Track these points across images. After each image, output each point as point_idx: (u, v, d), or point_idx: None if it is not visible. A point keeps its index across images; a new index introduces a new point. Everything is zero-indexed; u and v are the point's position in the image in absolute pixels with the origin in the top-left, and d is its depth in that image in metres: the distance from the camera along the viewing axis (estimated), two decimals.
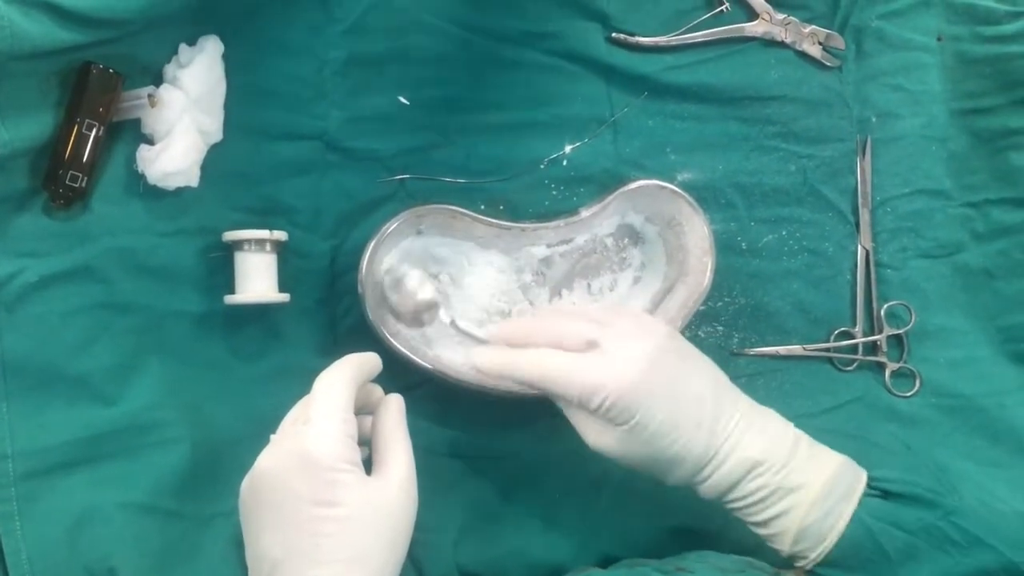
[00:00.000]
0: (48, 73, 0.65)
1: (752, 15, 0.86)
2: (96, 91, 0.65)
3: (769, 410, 0.69)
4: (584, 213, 0.78)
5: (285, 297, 0.73)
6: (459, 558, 0.74)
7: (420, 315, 0.77)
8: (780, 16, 0.86)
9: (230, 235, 0.71)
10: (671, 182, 0.80)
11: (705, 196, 0.83)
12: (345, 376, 0.61)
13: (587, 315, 0.70)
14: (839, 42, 0.88)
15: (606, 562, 0.75)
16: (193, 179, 0.70)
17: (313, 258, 0.76)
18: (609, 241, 0.82)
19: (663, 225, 0.82)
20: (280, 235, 0.72)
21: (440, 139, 0.79)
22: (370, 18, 0.77)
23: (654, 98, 0.84)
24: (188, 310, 0.72)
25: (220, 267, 0.72)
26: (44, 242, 0.66)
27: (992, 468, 0.84)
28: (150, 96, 0.68)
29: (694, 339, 0.84)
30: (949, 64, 0.91)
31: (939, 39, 0.91)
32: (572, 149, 0.81)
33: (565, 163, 0.81)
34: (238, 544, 0.62)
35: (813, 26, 0.88)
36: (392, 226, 0.73)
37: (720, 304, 0.85)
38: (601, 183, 0.81)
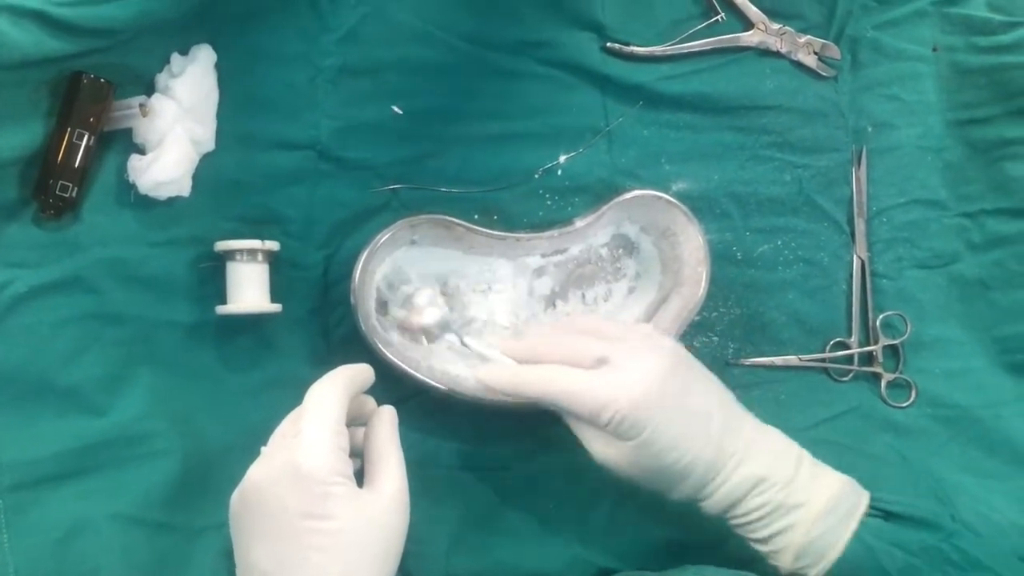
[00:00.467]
0: (38, 82, 0.65)
1: (748, 25, 0.86)
2: (87, 100, 0.65)
3: (773, 429, 0.69)
4: (579, 223, 0.78)
5: (277, 307, 0.72)
6: (451, 570, 0.73)
7: (429, 332, 0.76)
8: (776, 26, 0.86)
9: (222, 245, 0.70)
10: (666, 192, 0.80)
11: (700, 206, 0.83)
12: (337, 388, 0.61)
13: (596, 331, 0.70)
14: (835, 52, 0.88)
15: (600, 575, 0.75)
16: (185, 189, 0.70)
17: (306, 268, 0.75)
18: (604, 251, 0.82)
19: (658, 235, 0.82)
20: (272, 245, 0.71)
21: (434, 148, 0.78)
22: (364, 27, 0.76)
23: (649, 108, 0.83)
24: (179, 320, 0.71)
25: (212, 277, 0.72)
26: (34, 252, 0.66)
27: (988, 479, 0.84)
28: (141, 106, 0.67)
29: (689, 349, 0.82)
30: (945, 74, 0.91)
31: (935, 49, 0.91)
32: (567, 159, 0.81)
33: (560, 173, 0.81)
34: (228, 556, 0.62)
35: (809, 36, 0.88)
36: (385, 236, 0.73)
37: (715, 314, 0.84)
38: (596, 193, 0.81)
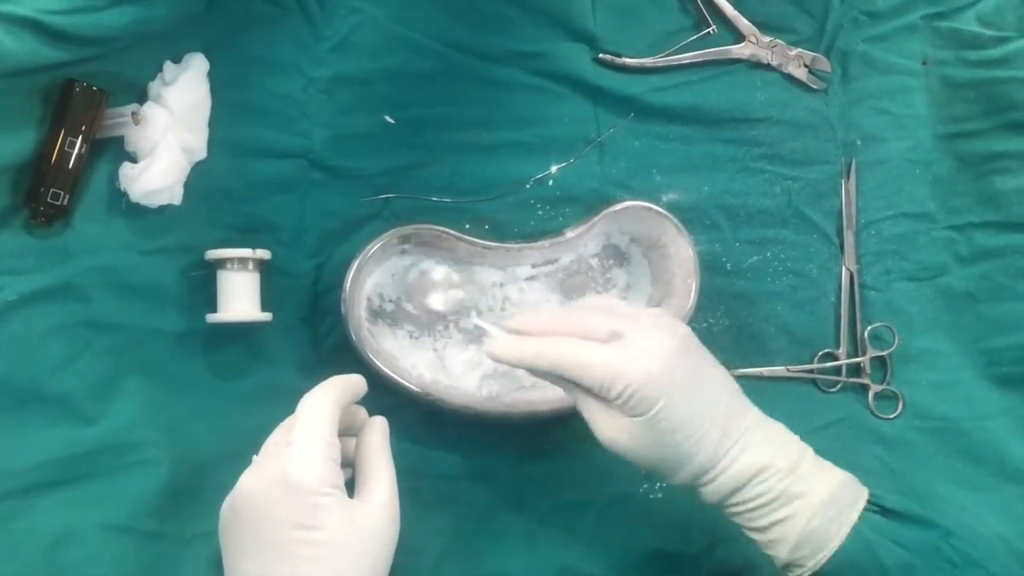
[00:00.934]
0: (31, 90, 0.65)
1: (739, 37, 0.87)
2: (79, 108, 0.65)
3: (776, 422, 0.69)
4: (569, 234, 0.78)
5: (268, 316, 0.72)
6: None
7: (445, 316, 0.77)
8: (766, 39, 0.87)
9: (213, 253, 0.70)
10: (656, 203, 0.80)
11: (690, 217, 0.83)
12: (330, 398, 0.61)
13: (610, 310, 0.68)
14: (825, 65, 0.89)
15: None
16: (176, 197, 0.70)
17: (297, 277, 0.76)
18: (594, 261, 0.82)
19: (648, 246, 0.82)
20: (263, 254, 0.72)
21: (426, 158, 0.79)
22: (356, 36, 0.77)
23: (640, 119, 0.84)
24: (170, 329, 0.71)
25: (202, 285, 0.72)
26: (25, 260, 0.66)
27: (975, 491, 0.84)
28: (134, 114, 0.67)
29: None
30: (934, 88, 0.92)
31: (924, 63, 0.92)
32: (558, 169, 0.81)
33: (551, 183, 0.81)
34: (218, 566, 0.62)
35: (799, 49, 0.88)
36: (376, 245, 0.73)
37: (705, 325, 0.84)
38: (587, 203, 0.81)
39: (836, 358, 0.87)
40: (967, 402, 0.88)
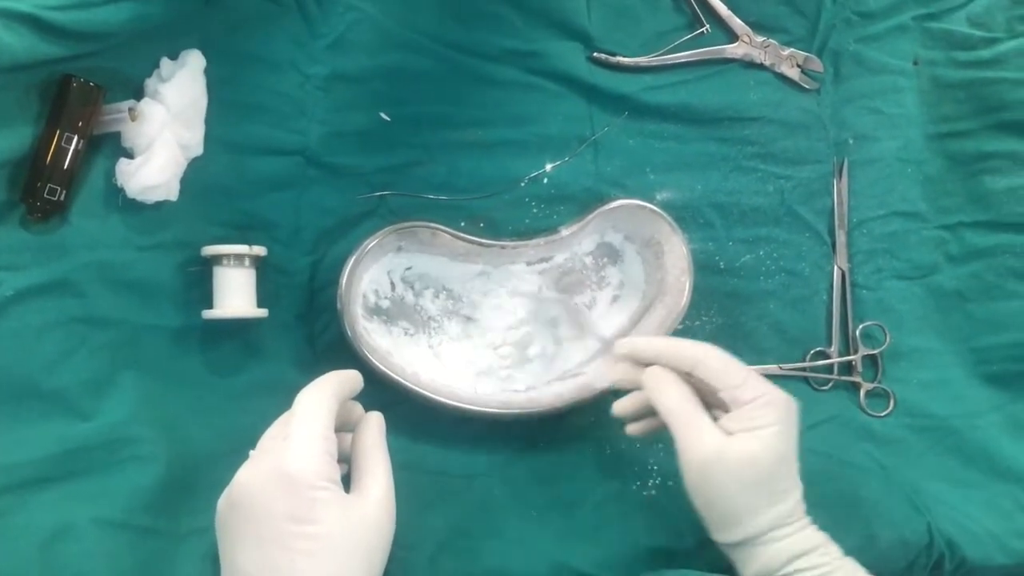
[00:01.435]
0: (28, 85, 0.64)
1: (732, 37, 0.87)
2: (76, 104, 0.65)
3: None
4: (564, 232, 0.79)
5: (264, 312, 0.72)
6: (436, 575, 0.73)
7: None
8: (760, 39, 0.87)
9: (209, 250, 0.70)
10: (650, 201, 0.81)
11: (684, 215, 0.84)
12: (327, 393, 0.61)
13: None
14: (817, 65, 0.89)
15: None
16: (172, 193, 0.70)
17: (292, 273, 0.76)
18: (588, 260, 0.83)
19: (642, 244, 0.82)
20: (259, 250, 0.72)
21: (421, 156, 0.79)
22: (353, 34, 0.77)
23: (635, 118, 0.84)
24: (166, 325, 0.71)
25: (198, 282, 0.72)
26: (21, 255, 0.66)
27: (964, 488, 0.85)
28: (131, 110, 0.67)
29: None
30: (925, 88, 0.92)
31: (915, 63, 0.93)
32: (553, 167, 0.82)
33: (546, 181, 0.81)
34: (213, 561, 0.62)
35: (792, 49, 0.89)
36: (372, 243, 0.73)
37: (698, 323, 0.85)
38: (581, 202, 0.82)
39: (828, 356, 0.88)
40: (957, 400, 0.89)
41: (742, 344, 0.86)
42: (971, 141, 0.91)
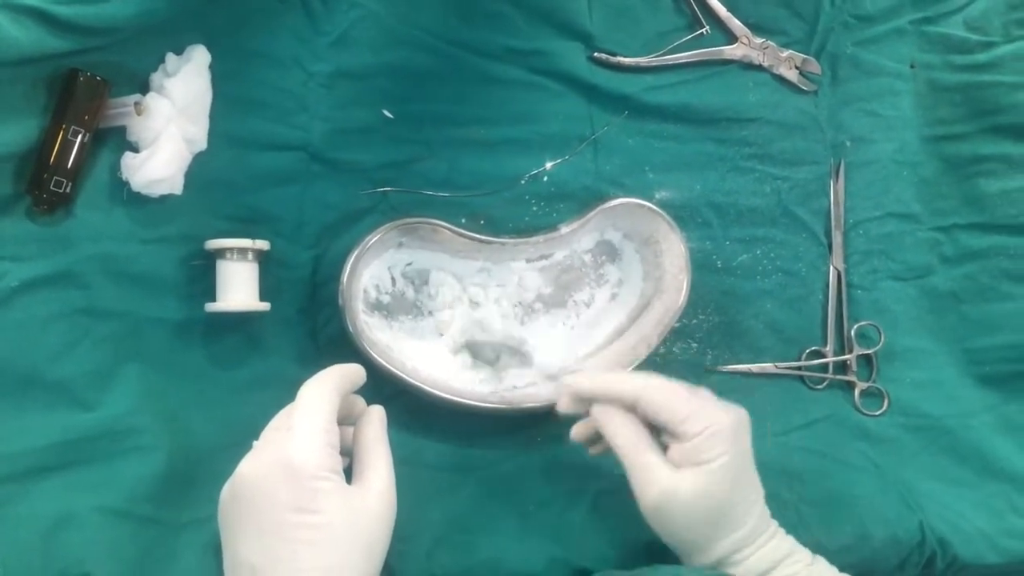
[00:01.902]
0: (35, 79, 0.65)
1: (731, 38, 0.88)
2: (83, 98, 0.65)
3: None
4: (563, 229, 0.79)
5: (266, 306, 0.73)
6: (433, 568, 0.73)
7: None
8: (758, 40, 0.88)
9: (212, 243, 0.71)
10: (649, 200, 0.81)
11: (682, 215, 0.84)
12: (330, 386, 0.61)
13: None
14: (815, 67, 0.90)
15: (580, 575, 0.76)
16: (177, 187, 0.70)
17: (295, 268, 0.76)
18: (587, 257, 0.83)
19: (640, 242, 0.83)
20: (262, 244, 0.72)
21: (423, 152, 0.79)
22: (357, 31, 0.77)
23: (634, 117, 0.85)
24: (168, 317, 0.71)
25: (201, 275, 0.72)
26: (26, 247, 0.66)
27: (957, 488, 0.86)
28: (136, 104, 0.68)
29: (669, 355, 0.85)
30: (922, 91, 0.93)
31: (912, 66, 0.94)
32: (553, 166, 0.82)
33: (546, 179, 0.82)
34: (214, 551, 0.63)
35: (790, 51, 0.90)
36: (374, 238, 0.73)
37: (695, 321, 0.86)
38: (581, 200, 0.82)
39: (823, 355, 0.89)
40: (951, 400, 0.90)
41: (738, 342, 0.87)
42: (966, 144, 0.92)
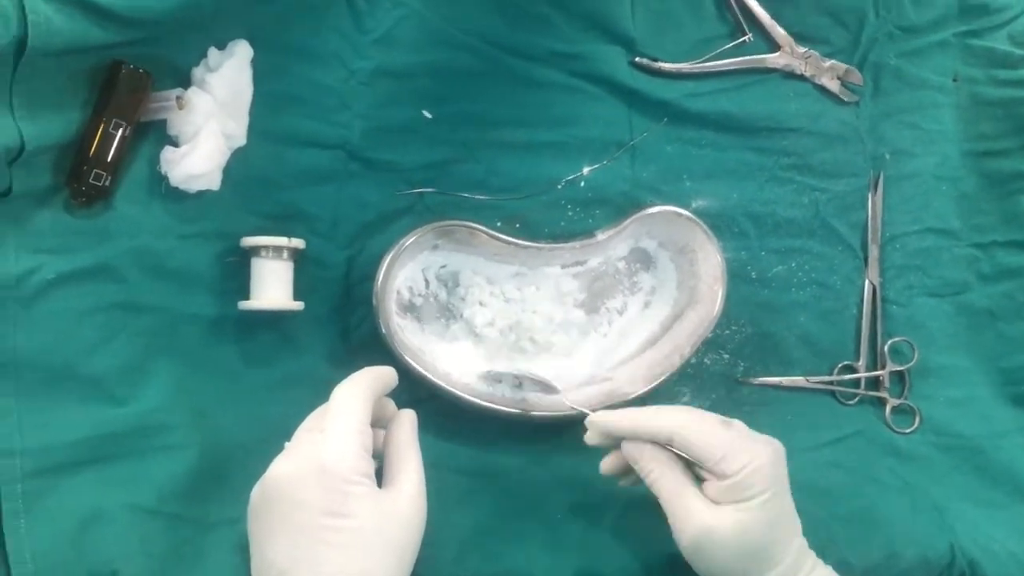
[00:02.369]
0: (77, 70, 0.64)
1: (774, 47, 0.87)
2: (125, 91, 0.65)
3: None
4: (600, 236, 0.79)
5: (299, 305, 0.72)
6: (460, 574, 0.74)
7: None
8: (801, 49, 0.87)
9: (248, 241, 0.70)
10: (686, 208, 0.81)
11: (718, 224, 0.84)
12: (363, 388, 0.61)
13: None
14: (857, 78, 0.89)
15: None
16: (215, 183, 0.70)
17: (329, 267, 0.76)
18: (621, 264, 0.83)
19: (676, 251, 0.82)
20: (298, 243, 0.72)
21: (461, 154, 0.79)
22: (399, 30, 0.77)
23: (674, 124, 0.84)
24: (202, 313, 0.71)
25: (236, 272, 0.72)
26: (64, 239, 0.66)
27: (988, 509, 0.85)
28: (178, 98, 0.67)
29: (700, 366, 0.84)
30: (964, 105, 0.92)
31: (955, 80, 0.93)
32: (590, 171, 0.81)
33: (583, 184, 0.81)
34: (242, 551, 0.62)
35: (833, 61, 0.89)
36: (411, 240, 0.73)
37: (728, 332, 0.85)
38: (617, 206, 0.82)
39: (855, 370, 0.88)
40: (984, 419, 0.89)
41: (770, 355, 0.86)
42: (1008, 160, 0.91)
